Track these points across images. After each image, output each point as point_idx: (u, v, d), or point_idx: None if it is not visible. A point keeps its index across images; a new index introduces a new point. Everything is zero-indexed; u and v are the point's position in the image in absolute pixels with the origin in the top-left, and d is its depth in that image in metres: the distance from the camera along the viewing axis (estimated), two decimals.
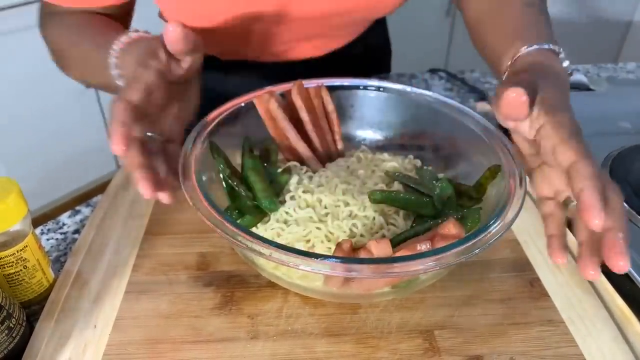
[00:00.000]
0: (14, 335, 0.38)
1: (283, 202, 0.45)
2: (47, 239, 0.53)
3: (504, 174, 0.43)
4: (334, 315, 0.43)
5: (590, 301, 0.44)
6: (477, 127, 0.48)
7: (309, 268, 0.32)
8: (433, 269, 0.33)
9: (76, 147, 1.85)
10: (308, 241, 0.42)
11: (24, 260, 0.41)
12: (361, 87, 0.53)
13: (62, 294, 0.44)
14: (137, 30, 0.46)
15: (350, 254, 0.37)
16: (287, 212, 0.44)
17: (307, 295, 0.43)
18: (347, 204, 0.44)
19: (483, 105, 0.73)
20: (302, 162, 0.50)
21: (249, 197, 0.44)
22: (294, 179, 0.47)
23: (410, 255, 0.34)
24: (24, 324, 0.40)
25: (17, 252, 0.41)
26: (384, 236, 0.43)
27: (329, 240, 0.42)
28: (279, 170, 0.49)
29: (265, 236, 0.37)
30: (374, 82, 0.54)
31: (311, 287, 0.40)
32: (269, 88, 0.50)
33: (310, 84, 0.51)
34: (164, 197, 0.36)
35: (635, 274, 0.44)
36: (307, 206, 0.44)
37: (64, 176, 1.85)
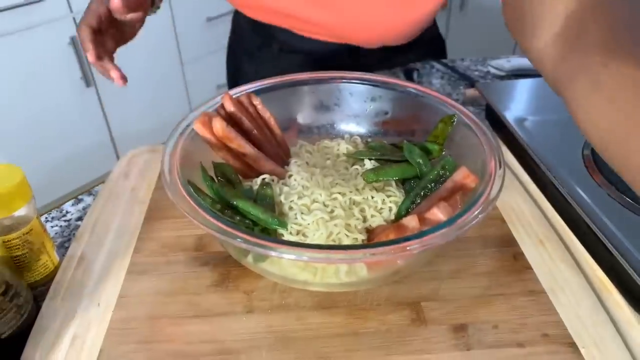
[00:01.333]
0: (22, 312, 0.41)
1: (282, 216, 0.45)
2: (52, 226, 0.55)
3: (485, 155, 0.44)
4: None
5: (571, 273, 0.46)
6: (455, 111, 0.50)
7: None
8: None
9: (77, 145, 1.88)
10: (333, 241, 0.42)
11: (29, 243, 0.43)
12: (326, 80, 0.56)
13: (67, 275, 0.46)
14: None
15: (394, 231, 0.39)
16: (297, 224, 0.43)
17: (313, 289, 0.44)
18: (343, 194, 0.45)
19: (472, 92, 0.75)
20: (260, 174, 0.48)
21: (250, 225, 0.42)
22: (277, 191, 0.46)
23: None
24: (31, 303, 0.42)
25: (23, 235, 0.43)
26: (390, 209, 0.45)
27: (351, 232, 0.42)
28: (255, 187, 0.47)
29: None
30: (335, 74, 0.56)
31: (323, 282, 0.41)
32: (201, 110, 0.49)
33: (239, 93, 0.52)
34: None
35: (614, 248, 0.45)
36: (309, 210, 0.44)
37: (67, 174, 1.87)
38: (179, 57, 2.16)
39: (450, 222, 0.35)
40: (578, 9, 0.38)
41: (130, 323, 0.42)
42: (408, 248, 0.33)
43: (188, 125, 0.47)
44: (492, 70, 0.85)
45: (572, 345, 0.40)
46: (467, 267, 0.47)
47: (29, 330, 0.41)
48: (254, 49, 0.88)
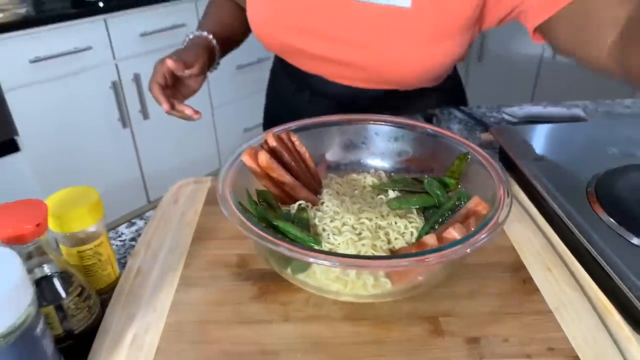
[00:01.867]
0: (92, 313, 0.47)
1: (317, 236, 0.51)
2: None
3: (495, 187, 0.51)
4: (353, 304, 0.50)
5: (575, 295, 0.51)
6: (469, 149, 0.57)
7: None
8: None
9: (110, 180, 1.99)
10: None
11: (99, 254, 0.50)
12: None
13: (127, 286, 0.53)
14: (202, 35, 0.83)
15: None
16: (329, 243, 0.49)
17: (343, 299, 0.49)
18: (370, 219, 0.52)
19: (487, 136, 0.82)
20: (295, 200, 0.55)
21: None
22: (311, 215, 0.53)
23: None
24: (99, 306, 0.49)
25: (94, 247, 0.50)
26: (412, 233, 0.51)
27: (376, 252, 0.48)
28: (292, 211, 0.54)
29: None
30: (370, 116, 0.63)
31: (353, 293, 0.47)
32: (249, 144, 0.57)
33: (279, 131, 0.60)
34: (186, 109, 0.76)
35: (615, 274, 0.50)
36: (340, 232, 0.50)
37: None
38: (209, 101, 2.29)
39: (463, 240, 0.41)
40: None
41: (182, 327, 0.48)
42: (427, 260, 0.39)
43: (237, 157, 0.55)
44: (506, 117, 0.92)
45: (576, 359, 0.44)
46: (480, 289, 0.52)
47: (96, 330, 0.47)
48: (289, 94, 0.97)
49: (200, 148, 2.36)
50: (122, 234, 0.64)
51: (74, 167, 1.87)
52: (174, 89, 0.77)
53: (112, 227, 0.64)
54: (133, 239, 0.63)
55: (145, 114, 2.01)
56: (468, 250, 0.40)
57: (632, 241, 0.52)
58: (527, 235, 0.59)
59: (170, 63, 0.71)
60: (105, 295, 0.52)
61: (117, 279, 0.54)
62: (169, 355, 0.45)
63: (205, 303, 0.51)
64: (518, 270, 0.55)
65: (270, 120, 1.08)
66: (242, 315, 0.49)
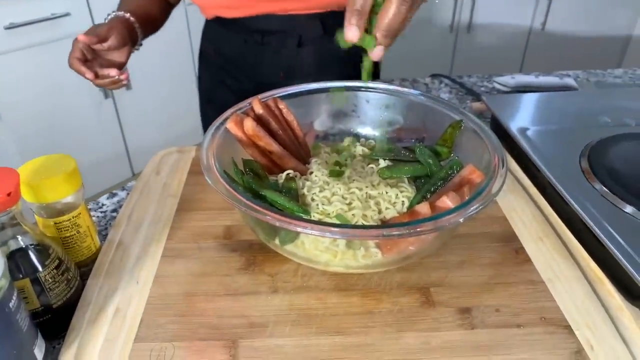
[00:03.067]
0: (71, 286, 0.45)
1: (306, 206, 0.49)
2: None
3: (490, 155, 0.49)
4: (342, 274, 0.49)
5: (567, 265, 0.50)
6: (462, 117, 0.55)
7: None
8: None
9: (93, 154, 1.94)
10: None
11: (77, 225, 0.48)
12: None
13: (108, 257, 0.51)
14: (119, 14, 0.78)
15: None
16: (319, 212, 0.47)
17: (332, 269, 0.48)
18: (360, 189, 0.50)
19: (478, 105, 0.80)
20: (284, 171, 0.53)
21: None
22: (300, 185, 0.51)
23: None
24: (78, 278, 0.47)
25: (72, 218, 0.48)
26: (403, 203, 0.49)
27: (367, 222, 0.47)
28: (280, 181, 0.52)
29: None
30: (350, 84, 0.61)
31: (342, 263, 0.46)
32: (232, 110, 0.54)
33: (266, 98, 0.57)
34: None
35: (608, 242, 0.49)
36: (329, 201, 0.49)
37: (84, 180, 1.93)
38: (193, 69, 2.23)
39: (457, 208, 0.40)
40: None
41: (166, 299, 0.46)
42: (419, 229, 0.38)
43: (221, 125, 0.52)
44: (497, 86, 0.91)
45: (568, 328, 0.44)
46: (472, 259, 0.51)
47: (76, 303, 0.46)
48: (238, 53, 0.92)
49: (186, 119, 2.31)
50: (103, 204, 0.62)
51: (56, 139, 1.82)
52: (96, 62, 0.75)
53: (95, 200, 0.62)
54: (115, 210, 0.61)
55: (127, 84, 1.95)
56: (461, 220, 0.39)
57: (625, 210, 0.52)
58: (519, 205, 0.58)
59: (81, 37, 0.71)
60: (86, 268, 0.50)
61: (98, 251, 0.52)
62: (153, 328, 0.44)
63: (190, 275, 0.49)
64: (510, 240, 0.54)
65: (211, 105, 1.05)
66: (228, 286, 0.48)
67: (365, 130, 0.63)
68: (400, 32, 0.44)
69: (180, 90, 2.22)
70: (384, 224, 0.47)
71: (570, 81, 0.92)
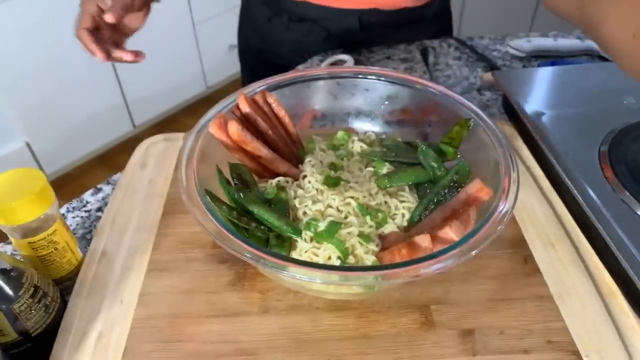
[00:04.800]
0: (49, 311, 0.43)
1: (296, 220, 0.45)
2: (73, 217, 0.57)
3: (497, 152, 0.45)
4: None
5: (579, 277, 0.47)
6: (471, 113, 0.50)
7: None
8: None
9: (91, 107, 1.89)
10: (346, 249, 0.42)
11: (54, 242, 0.45)
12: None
13: (90, 272, 0.48)
14: None
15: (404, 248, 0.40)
16: (310, 230, 0.43)
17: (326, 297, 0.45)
18: (356, 199, 0.46)
19: (489, 76, 0.74)
20: (275, 175, 0.49)
21: (265, 232, 0.43)
22: (291, 195, 0.47)
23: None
24: (58, 300, 0.44)
25: (48, 236, 0.44)
26: (403, 215, 0.46)
27: (365, 241, 0.43)
28: (268, 190, 0.47)
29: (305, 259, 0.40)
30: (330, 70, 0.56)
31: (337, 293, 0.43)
32: (214, 111, 0.50)
33: (254, 90, 0.52)
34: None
35: (621, 256, 0.46)
36: (323, 215, 0.45)
37: (83, 137, 1.89)
38: (190, 17, 2.13)
39: (462, 242, 0.36)
40: None
41: (151, 322, 0.44)
42: (421, 271, 0.34)
43: (204, 126, 0.47)
44: (512, 51, 0.83)
45: (576, 353, 0.41)
46: (477, 270, 0.48)
47: (58, 326, 0.44)
48: (264, 21, 0.87)
49: (184, 68, 2.23)
50: (88, 202, 0.59)
51: (53, 94, 1.76)
52: (106, 30, 0.64)
53: (98, 154, 0.58)
54: (99, 209, 0.58)
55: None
56: (467, 257, 0.35)
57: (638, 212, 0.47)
58: (530, 202, 0.54)
59: (108, 17, 0.59)
60: (68, 282, 0.48)
61: (80, 263, 0.49)
62: (138, 356, 0.42)
63: (176, 293, 0.46)
64: (518, 247, 0.50)
65: (247, 50, 0.98)
66: (217, 306, 0.45)
67: (364, 124, 0.58)
68: None
69: (177, 37, 2.13)
70: (382, 243, 0.44)
71: (592, 44, 0.84)
